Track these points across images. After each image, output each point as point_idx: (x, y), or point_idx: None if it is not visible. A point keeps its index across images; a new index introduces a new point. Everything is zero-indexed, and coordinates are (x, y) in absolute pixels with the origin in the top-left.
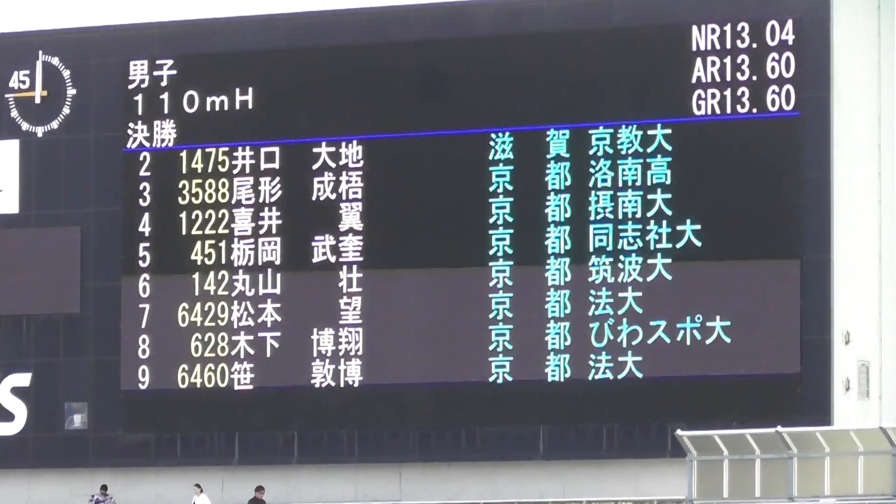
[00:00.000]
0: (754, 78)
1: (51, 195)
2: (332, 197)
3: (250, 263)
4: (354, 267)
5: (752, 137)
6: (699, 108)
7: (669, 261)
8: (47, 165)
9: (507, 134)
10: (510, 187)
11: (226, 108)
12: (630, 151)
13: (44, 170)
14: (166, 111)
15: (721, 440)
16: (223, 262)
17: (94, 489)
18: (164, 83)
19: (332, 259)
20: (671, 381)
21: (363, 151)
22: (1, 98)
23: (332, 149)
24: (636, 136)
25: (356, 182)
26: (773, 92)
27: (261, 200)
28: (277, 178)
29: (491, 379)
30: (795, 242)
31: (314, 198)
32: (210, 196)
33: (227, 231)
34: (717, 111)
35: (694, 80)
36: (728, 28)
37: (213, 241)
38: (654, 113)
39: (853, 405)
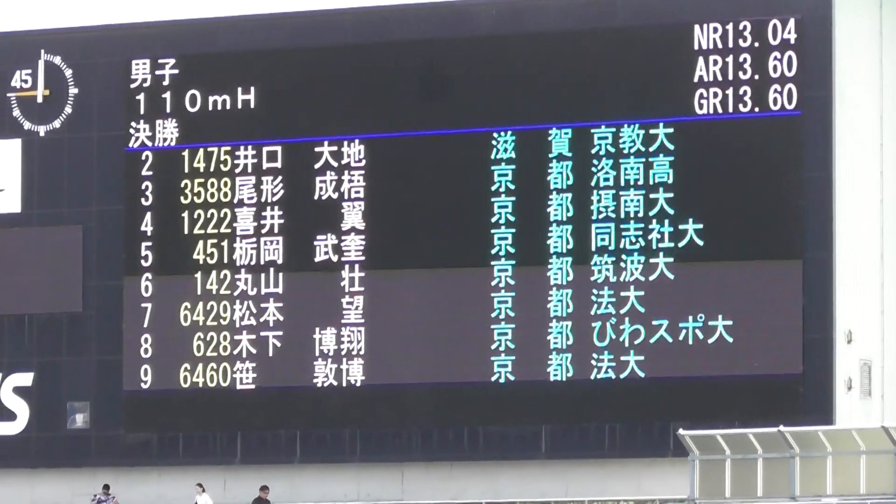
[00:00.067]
0: (756, 77)
1: (53, 194)
2: (335, 196)
3: (252, 263)
4: (356, 266)
5: (755, 136)
6: (701, 107)
7: (671, 260)
8: (49, 165)
9: (510, 133)
10: (512, 186)
11: (228, 107)
12: (632, 150)
13: (46, 169)
14: (168, 110)
15: (723, 440)
16: (225, 261)
17: (96, 489)
18: (166, 82)
19: (335, 258)
20: (673, 381)
21: (365, 151)
22: (3, 97)
23: (335, 148)
24: (638, 135)
25: (358, 181)
26: (776, 91)
27: (263, 200)
28: (279, 178)
29: (493, 378)
30: (797, 241)
31: (316, 197)
32: (212, 195)
33: (229, 230)
34: (720, 110)
35: (696, 80)
36: (730, 27)
37: (215, 241)
38: (656, 112)
39: (855, 404)
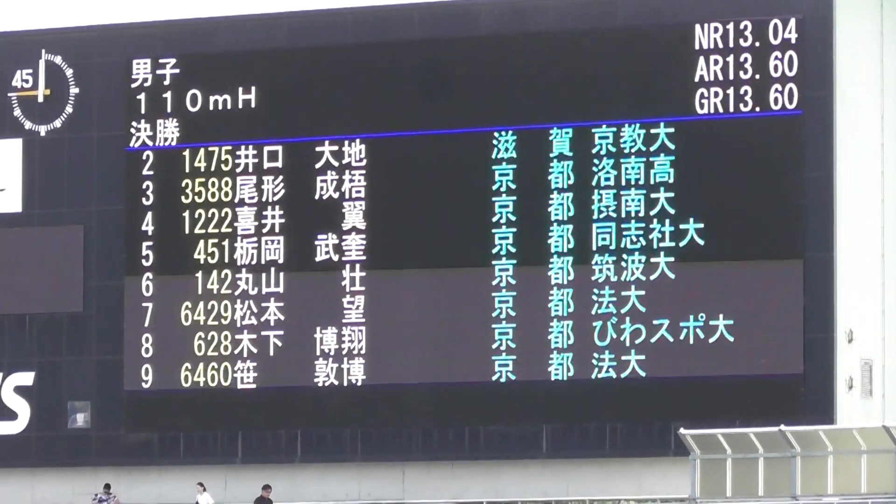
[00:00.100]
0: (757, 77)
1: (54, 194)
2: (335, 196)
3: (253, 262)
4: (357, 266)
5: (755, 136)
6: (702, 106)
7: (672, 259)
8: (50, 164)
9: (510, 133)
10: (513, 186)
11: (229, 106)
12: (633, 150)
13: (47, 169)
14: (169, 110)
15: (724, 439)
16: (226, 260)
17: (97, 488)
18: (167, 82)
19: (335, 258)
20: (674, 380)
21: (366, 150)
22: (4, 97)
23: (335, 147)
24: (639, 134)
25: (359, 181)
26: (776, 91)
27: (264, 199)
28: (280, 177)
29: (494, 378)
30: (798, 241)
31: (317, 196)
32: (213, 195)
33: (230, 230)
34: (720, 110)
35: (697, 79)
36: (731, 27)
37: (216, 240)
38: (657, 111)
39: (856, 404)
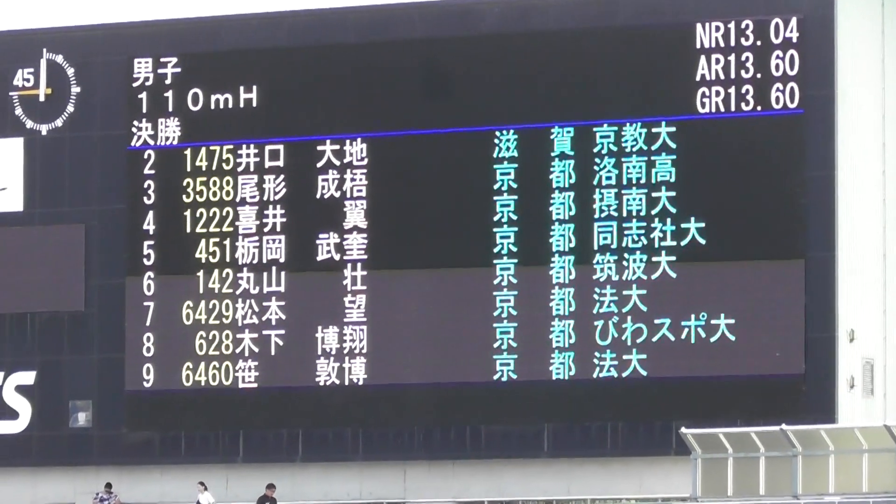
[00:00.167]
0: (759, 76)
1: (55, 193)
2: (337, 195)
3: (255, 261)
4: (359, 265)
5: (757, 135)
6: (703, 105)
7: (674, 258)
8: (51, 163)
9: (512, 132)
10: (514, 185)
11: (230, 105)
12: (634, 149)
13: (48, 168)
14: (170, 109)
15: (725, 438)
16: (228, 260)
17: (98, 487)
18: (168, 81)
19: (337, 257)
20: (675, 379)
21: (368, 149)
22: (5, 96)
23: (337, 147)
24: (640, 133)
25: (360, 180)
26: (778, 90)
27: (265, 198)
28: (282, 176)
29: (495, 377)
30: (800, 241)
31: (318, 196)
32: (214, 194)
33: (231, 229)
34: (722, 109)
35: (698, 78)
36: (732, 26)
37: (217, 239)
38: (658, 111)
39: (858, 403)
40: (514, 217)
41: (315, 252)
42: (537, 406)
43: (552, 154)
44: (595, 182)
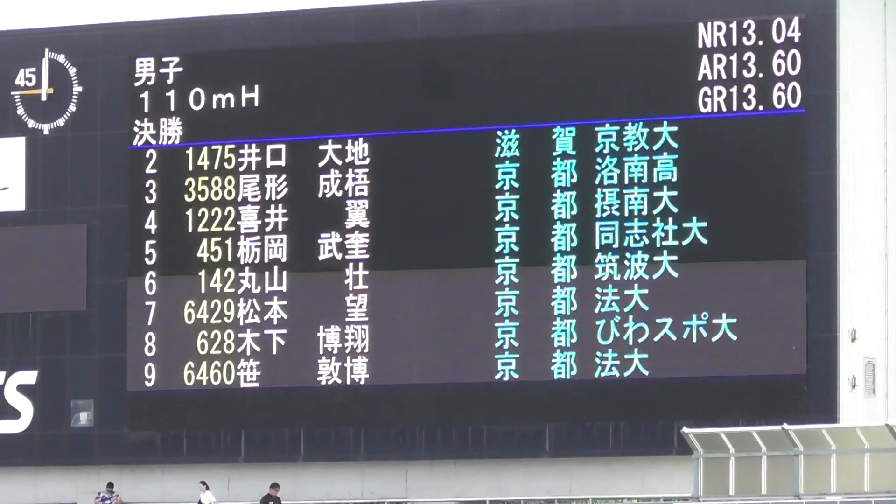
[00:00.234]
0: (760, 75)
1: (57, 193)
2: (339, 194)
3: (256, 261)
4: (360, 264)
5: (759, 135)
6: (705, 105)
7: (675, 258)
8: (53, 163)
9: (513, 131)
10: (516, 185)
11: (232, 105)
12: (636, 149)
13: (50, 167)
14: (172, 108)
15: (727, 438)
16: (229, 259)
17: (100, 487)
18: (170, 80)
19: (339, 256)
20: (677, 379)
21: (369, 149)
22: (7, 96)
23: (339, 146)
24: (642, 133)
25: (362, 179)
26: (780, 89)
27: (267, 198)
28: (283, 176)
29: (497, 377)
30: (801, 240)
31: (320, 195)
32: (216, 193)
33: (233, 228)
34: (724, 108)
35: (700, 78)
36: (734, 25)
37: (219, 239)
38: (660, 110)
39: (859, 402)
40: (516, 217)
41: (317, 252)
42: (539, 406)
43: (554, 154)
44: (597, 182)
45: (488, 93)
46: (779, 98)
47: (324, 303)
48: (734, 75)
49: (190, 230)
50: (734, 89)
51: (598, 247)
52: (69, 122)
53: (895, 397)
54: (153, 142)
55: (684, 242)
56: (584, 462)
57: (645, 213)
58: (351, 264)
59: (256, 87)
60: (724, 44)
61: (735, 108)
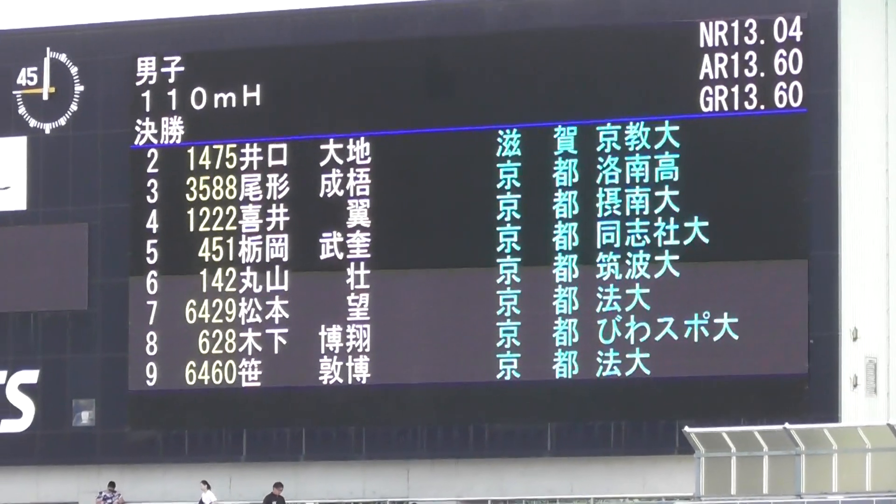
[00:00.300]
0: (762, 74)
1: (58, 192)
2: (340, 194)
3: (258, 260)
4: (362, 264)
5: (760, 134)
6: (707, 104)
7: (677, 258)
8: (55, 162)
9: (515, 131)
10: (518, 184)
11: (233, 104)
12: (638, 148)
13: (51, 167)
14: (174, 108)
15: (729, 437)
16: (231, 258)
17: (101, 486)
18: (171, 80)
19: (340, 256)
20: (679, 379)
21: (371, 148)
22: (9, 95)
23: (340, 145)
24: (644, 132)
25: (364, 179)
26: (781, 88)
27: (268, 197)
28: (285, 175)
29: (498, 376)
30: (803, 239)
31: (322, 195)
32: (218, 193)
33: (234, 228)
34: (725, 108)
35: (702, 77)
36: (736, 25)
37: (220, 238)
38: (661, 109)
39: (861, 402)
40: (518, 216)
41: (318, 251)
42: (540, 405)
43: (555, 153)
44: (598, 181)
45: (490, 92)
46: (780, 97)
47: (325, 302)
48: (735, 75)
49: (191, 229)
50: (735, 89)
51: (599, 246)
52: (71, 121)
53: None
54: (155, 141)
55: (686, 242)
56: (585, 461)
57: (646, 212)
58: (352, 264)
59: (258, 86)
60: (725, 43)
61: (736, 108)
